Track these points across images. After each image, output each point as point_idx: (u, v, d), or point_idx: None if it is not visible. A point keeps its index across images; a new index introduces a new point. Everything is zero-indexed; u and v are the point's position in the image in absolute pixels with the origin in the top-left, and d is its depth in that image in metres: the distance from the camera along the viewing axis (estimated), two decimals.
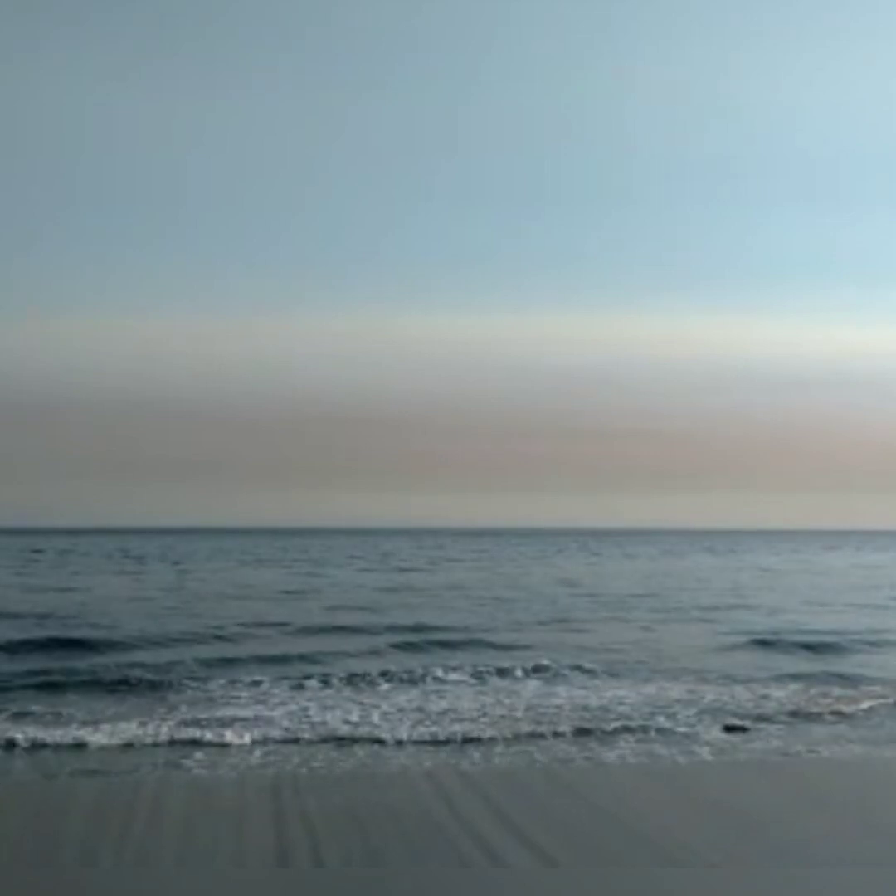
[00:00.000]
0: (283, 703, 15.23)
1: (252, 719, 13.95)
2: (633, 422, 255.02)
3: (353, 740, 12.85)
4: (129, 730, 13.11)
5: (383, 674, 17.98)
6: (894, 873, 7.25)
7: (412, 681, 17.60)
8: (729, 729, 13.82)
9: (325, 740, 12.81)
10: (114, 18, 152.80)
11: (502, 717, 14.37)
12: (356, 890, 6.75)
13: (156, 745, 12.48)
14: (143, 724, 13.52)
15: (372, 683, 17.25)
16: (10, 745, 12.33)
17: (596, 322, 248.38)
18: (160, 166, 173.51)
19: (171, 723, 13.58)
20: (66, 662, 19.32)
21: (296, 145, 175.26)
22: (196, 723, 13.55)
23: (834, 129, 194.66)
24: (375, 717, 14.25)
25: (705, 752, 12.31)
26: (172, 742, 12.58)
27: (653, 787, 9.87)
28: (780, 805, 8.98)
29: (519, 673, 18.32)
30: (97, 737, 12.74)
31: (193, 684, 16.97)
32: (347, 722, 13.89)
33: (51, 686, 16.74)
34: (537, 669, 18.61)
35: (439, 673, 18.23)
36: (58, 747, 12.36)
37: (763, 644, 23.66)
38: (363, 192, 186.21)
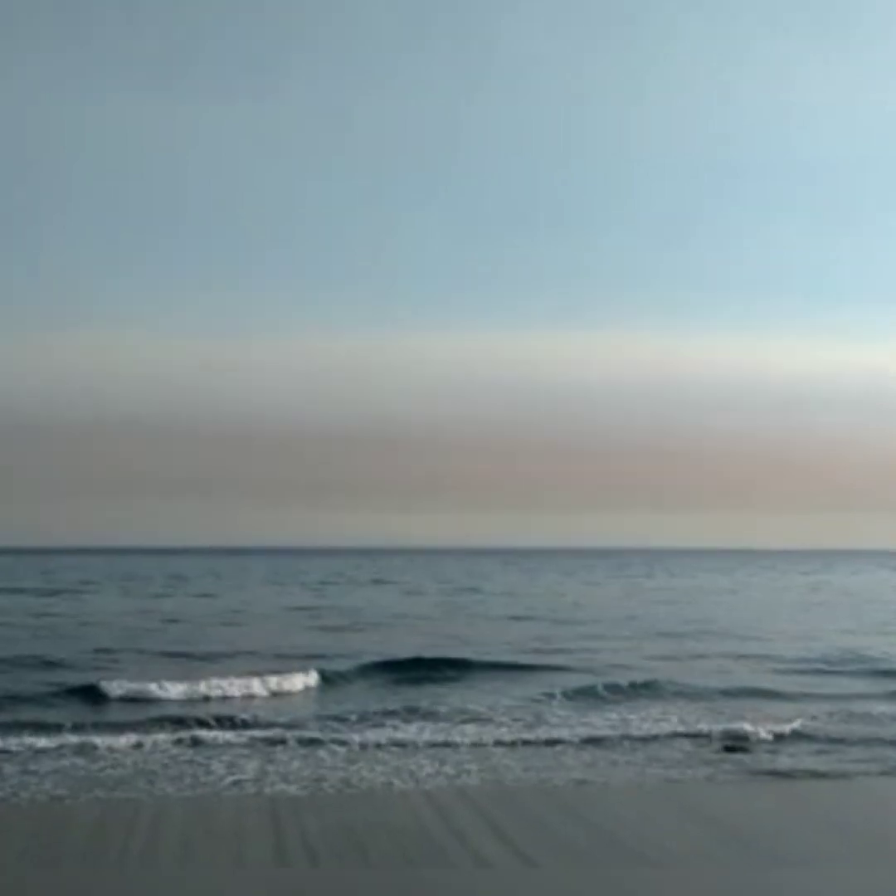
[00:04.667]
0: None
1: None
2: (632, 441, 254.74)
3: None
4: None
5: None
6: (893, 874, 7.21)
7: None
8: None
9: None
10: (114, 21, 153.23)
11: None
12: (349, 891, 6.71)
13: None
14: None
15: None
16: None
17: (595, 340, 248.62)
18: (159, 179, 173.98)
19: None
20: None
21: (292, 163, 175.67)
22: None
23: (835, 134, 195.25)
24: None
25: None
26: None
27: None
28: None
29: None
30: None
31: None
32: None
33: None
34: None
35: None
36: None
37: None
38: (361, 211, 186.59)
